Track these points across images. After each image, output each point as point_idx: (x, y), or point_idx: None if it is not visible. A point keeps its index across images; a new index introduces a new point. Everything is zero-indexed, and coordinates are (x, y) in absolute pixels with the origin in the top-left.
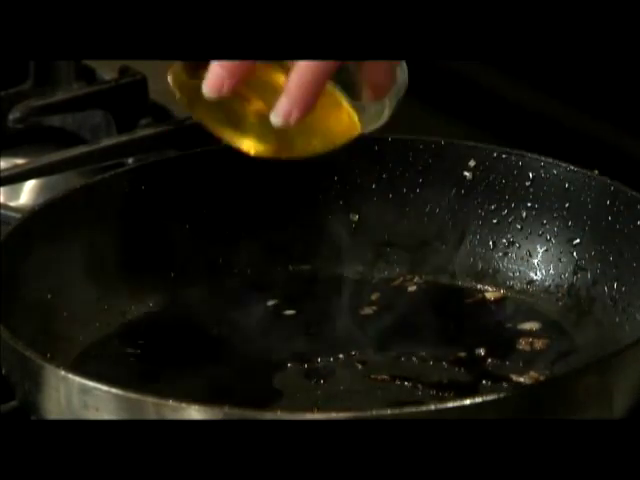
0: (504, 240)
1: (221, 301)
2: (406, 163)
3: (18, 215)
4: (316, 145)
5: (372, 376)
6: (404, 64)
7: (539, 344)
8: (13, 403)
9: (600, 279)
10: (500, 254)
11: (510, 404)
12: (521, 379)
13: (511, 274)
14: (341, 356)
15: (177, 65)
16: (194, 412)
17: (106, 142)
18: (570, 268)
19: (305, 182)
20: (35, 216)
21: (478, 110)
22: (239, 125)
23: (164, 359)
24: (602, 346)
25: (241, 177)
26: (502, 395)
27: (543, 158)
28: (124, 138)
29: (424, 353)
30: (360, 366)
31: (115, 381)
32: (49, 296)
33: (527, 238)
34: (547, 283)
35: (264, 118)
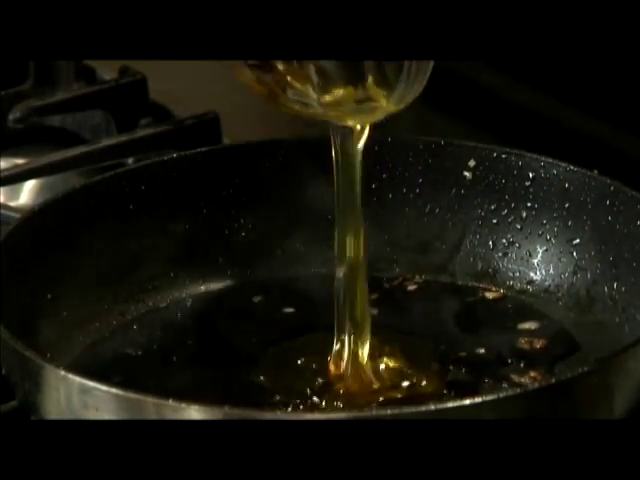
0: (504, 240)
1: (220, 301)
2: (406, 163)
3: (18, 215)
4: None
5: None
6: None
7: (539, 344)
8: (13, 403)
9: (600, 279)
10: (500, 254)
11: (510, 404)
12: (521, 379)
13: (511, 274)
14: None
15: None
16: (194, 412)
17: (106, 142)
18: (570, 268)
19: (305, 182)
20: (35, 216)
21: (478, 110)
22: None
23: (164, 359)
24: (602, 346)
25: (241, 177)
26: (502, 395)
27: (543, 158)
28: (124, 138)
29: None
30: None
31: (115, 381)
32: (49, 296)
33: (527, 238)
34: (547, 283)
35: None
